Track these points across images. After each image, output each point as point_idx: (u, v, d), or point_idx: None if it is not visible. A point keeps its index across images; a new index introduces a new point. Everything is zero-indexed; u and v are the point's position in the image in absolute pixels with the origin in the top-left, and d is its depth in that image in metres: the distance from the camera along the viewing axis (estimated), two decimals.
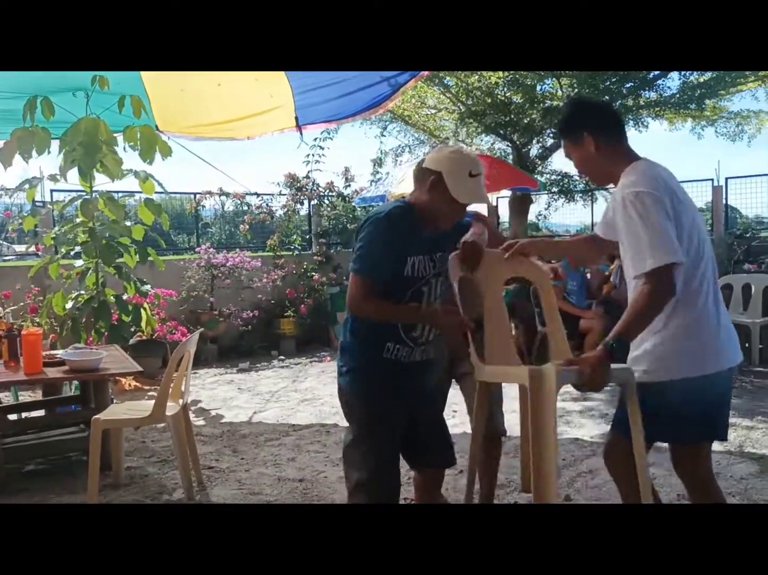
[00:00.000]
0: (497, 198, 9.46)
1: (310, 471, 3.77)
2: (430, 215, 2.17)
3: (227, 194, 8.75)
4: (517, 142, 9.59)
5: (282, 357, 7.48)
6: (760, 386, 5.50)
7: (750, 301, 6.67)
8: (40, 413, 4.42)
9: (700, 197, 9.46)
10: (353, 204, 8.95)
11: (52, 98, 4.44)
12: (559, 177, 10.22)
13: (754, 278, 6.80)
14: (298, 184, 8.87)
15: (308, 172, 8.96)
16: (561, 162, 10.23)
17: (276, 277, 7.99)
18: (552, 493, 2.00)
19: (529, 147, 9.77)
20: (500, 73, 8.40)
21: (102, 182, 4.96)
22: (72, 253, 5.38)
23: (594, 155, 2.15)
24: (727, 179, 8.57)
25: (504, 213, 10.63)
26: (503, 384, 2.88)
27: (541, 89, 9.31)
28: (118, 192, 5.66)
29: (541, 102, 9.08)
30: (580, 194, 10.29)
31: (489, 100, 9.01)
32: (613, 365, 2.01)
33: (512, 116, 9.14)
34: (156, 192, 5.14)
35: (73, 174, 4.81)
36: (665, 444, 2.36)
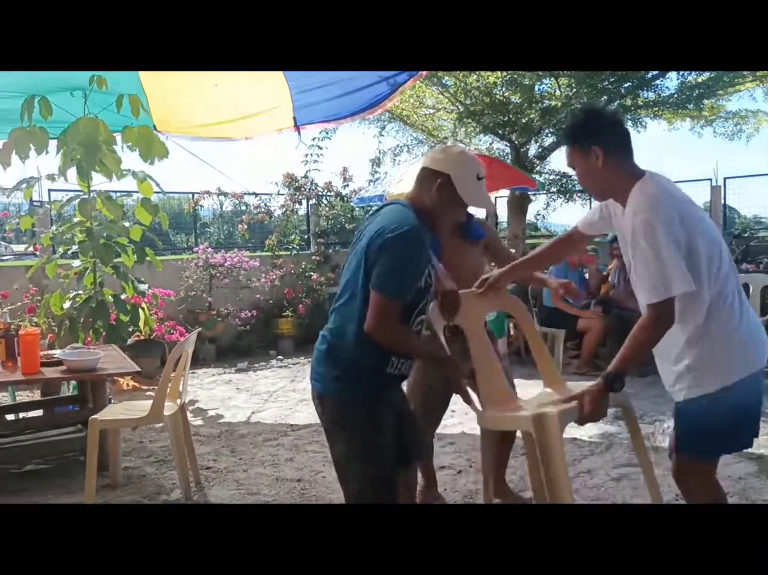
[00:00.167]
0: (495, 198, 9.45)
1: (308, 471, 3.76)
2: (434, 218, 2.10)
3: (225, 194, 8.75)
4: (516, 142, 9.58)
5: (280, 357, 7.47)
6: None
7: (748, 301, 6.65)
8: (38, 413, 4.41)
9: (698, 196, 9.47)
10: (352, 204, 8.95)
11: (50, 98, 4.43)
12: (558, 177, 10.21)
13: (752, 278, 6.80)
14: (297, 184, 8.87)
15: (306, 172, 8.96)
16: (559, 162, 10.23)
17: (274, 277, 7.98)
18: None
19: (527, 147, 9.77)
20: (498, 73, 8.39)
21: (99, 181, 4.96)
22: (70, 253, 5.38)
23: (600, 170, 2.08)
24: (725, 178, 8.60)
25: (502, 213, 10.64)
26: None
27: (539, 89, 9.31)
28: (116, 192, 5.65)
29: (539, 102, 9.07)
30: (579, 194, 10.29)
31: (487, 100, 9.01)
32: None
33: (510, 116, 9.13)
34: (154, 192, 5.13)
35: (72, 174, 4.81)
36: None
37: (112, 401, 4.23)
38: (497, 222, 11.04)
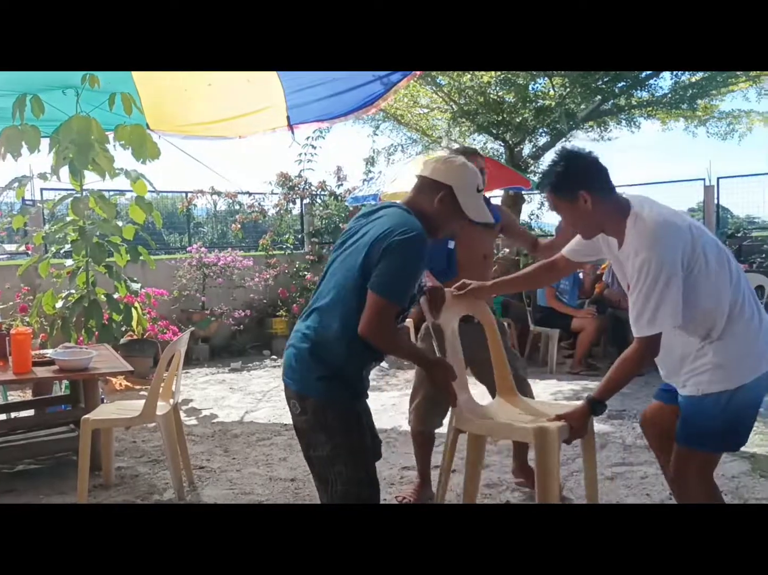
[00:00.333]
0: (490, 197, 9.45)
1: (301, 470, 3.75)
2: (434, 227, 2.08)
3: (219, 193, 8.72)
4: (510, 142, 9.58)
5: (274, 357, 7.45)
6: None
7: None
8: (30, 413, 4.39)
9: (691, 196, 9.50)
10: (345, 203, 8.93)
11: (42, 96, 4.41)
12: None
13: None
14: (291, 183, 8.85)
15: (300, 171, 8.95)
16: None
17: (268, 276, 7.97)
18: None
19: (521, 146, 9.77)
20: (492, 73, 8.38)
21: (92, 180, 4.94)
22: (62, 252, 5.36)
23: (590, 212, 2.11)
24: (718, 178, 8.62)
25: None
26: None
27: (533, 89, 9.30)
28: (108, 191, 5.63)
29: (533, 101, 9.08)
30: None
31: (481, 100, 9.01)
32: None
33: (504, 116, 9.13)
34: (147, 191, 5.11)
35: (64, 173, 4.79)
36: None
37: (105, 401, 4.22)
38: None
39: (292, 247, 8.70)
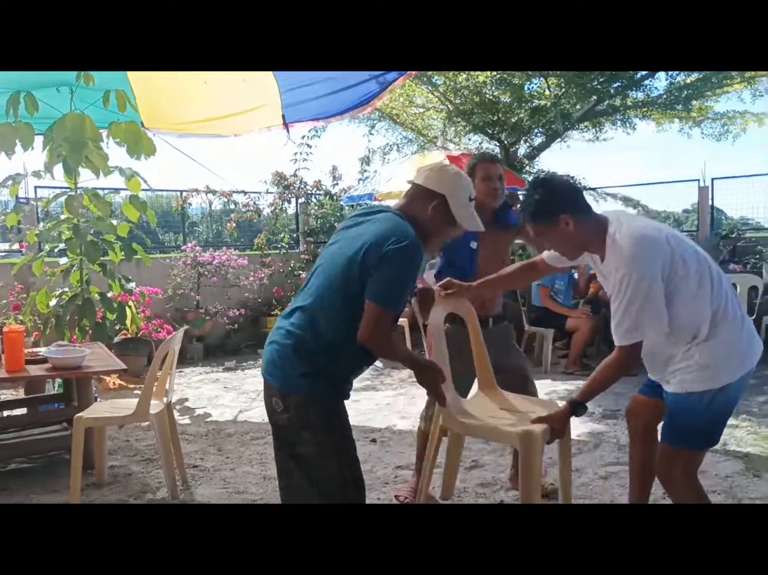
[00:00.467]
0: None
1: None
2: (427, 235, 2.08)
3: (214, 192, 8.70)
4: (505, 142, 9.59)
5: None
6: None
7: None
8: (23, 411, 4.37)
9: (686, 197, 9.53)
10: (341, 203, 8.93)
11: (36, 94, 4.39)
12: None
13: (739, 278, 6.85)
14: (286, 182, 8.84)
15: (296, 170, 8.94)
16: (549, 162, 10.29)
17: (263, 275, 7.96)
18: None
19: (516, 146, 9.78)
20: (488, 73, 8.39)
21: (87, 178, 4.91)
22: (56, 250, 5.33)
23: (572, 234, 2.19)
24: (713, 179, 8.63)
25: None
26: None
27: (528, 89, 9.32)
28: (103, 189, 5.61)
29: (528, 101, 9.09)
30: None
31: (477, 100, 9.01)
32: None
33: (500, 115, 9.14)
34: (142, 189, 5.09)
35: (58, 170, 4.77)
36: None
37: (98, 400, 4.20)
38: None
39: (287, 246, 8.69)
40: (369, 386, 5.81)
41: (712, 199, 8.63)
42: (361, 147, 17.68)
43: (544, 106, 8.78)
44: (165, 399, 3.50)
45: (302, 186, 8.90)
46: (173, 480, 3.38)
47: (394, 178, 7.11)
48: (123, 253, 5.12)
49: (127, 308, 5.34)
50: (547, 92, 8.97)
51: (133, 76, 4.45)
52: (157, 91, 4.73)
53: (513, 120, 9.16)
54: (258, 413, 5.04)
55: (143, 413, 3.34)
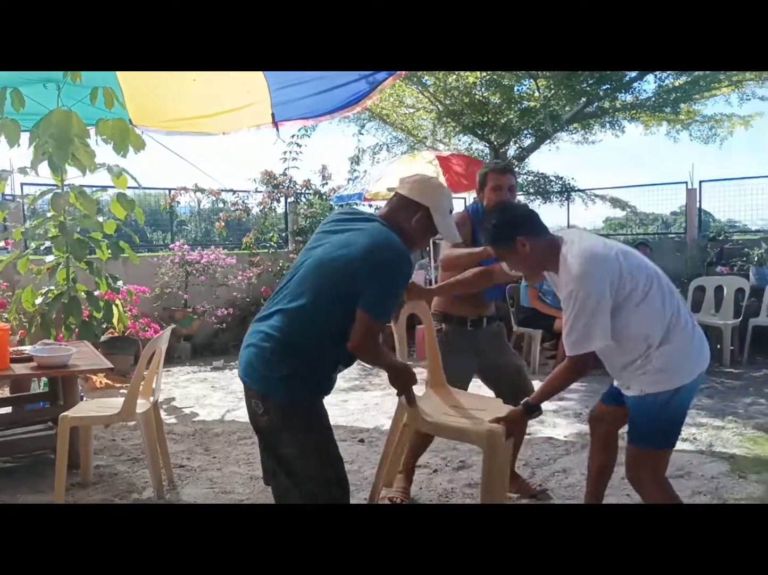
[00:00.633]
0: (474, 199, 9.48)
1: None
2: (409, 242, 2.13)
3: (203, 191, 8.65)
4: (495, 143, 9.62)
5: None
6: (730, 387, 5.57)
7: (722, 303, 6.77)
8: (7, 410, 4.33)
9: (674, 200, 9.58)
10: (330, 202, 8.91)
11: (22, 90, 4.35)
12: (536, 178, 10.27)
13: (726, 280, 6.90)
14: (275, 181, 8.81)
15: (285, 169, 8.91)
16: (538, 163, 10.32)
17: (251, 275, 7.93)
18: None
19: (506, 148, 9.81)
20: (478, 73, 8.41)
21: (73, 175, 4.88)
22: (42, 248, 5.29)
23: (529, 255, 2.35)
24: (701, 182, 8.69)
25: None
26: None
27: (518, 90, 9.35)
28: (91, 186, 5.57)
29: (518, 103, 9.12)
30: (557, 195, 10.36)
31: (467, 100, 9.04)
32: None
33: (490, 116, 9.17)
34: (129, 187, 5.06)
35: (44, 167, 4.73)
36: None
37: (84, 399, 4.17)
38: None
39: (276, 245, 8.66)
40: (357, 387, 5.80)
41: (700, 201, 8.69)
42: (351, 147, 17.66)
43: (533, 108, 8.81)
44: (152, 399, 3.48)
45: (291, 185, 8.87)
46: (159, 480, 3.36)
47: (384, 178, 7.11)
48: (110, 251, 5.09)
49: (113, 306, 5.30)
50: (536, 94, 9.00)
51: (121, 73, 4.42)
52: (145, 89, 4.69)
53: (502, 121, 9.19)
54: (245, 413, 4.99)
55: (129, 413, 3.31)
